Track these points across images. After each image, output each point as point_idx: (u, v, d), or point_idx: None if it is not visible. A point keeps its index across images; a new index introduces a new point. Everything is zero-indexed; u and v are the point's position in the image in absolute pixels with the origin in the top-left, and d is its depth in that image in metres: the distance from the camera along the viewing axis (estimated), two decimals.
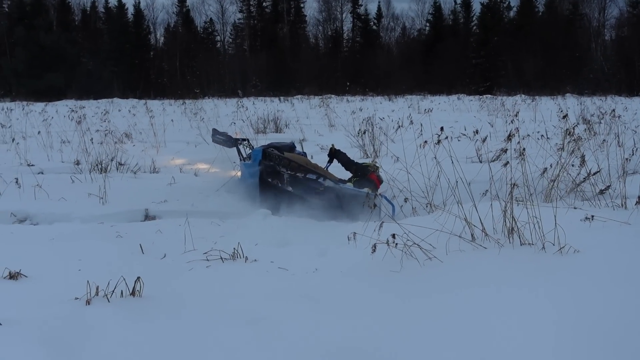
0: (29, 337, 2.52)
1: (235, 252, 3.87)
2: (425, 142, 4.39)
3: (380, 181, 5.90)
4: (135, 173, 7.71)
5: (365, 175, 5.88)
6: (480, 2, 53.95)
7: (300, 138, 11.27)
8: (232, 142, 6.68)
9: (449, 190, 4.29)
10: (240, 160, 6.65)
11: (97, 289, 3.04)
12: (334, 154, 6.29)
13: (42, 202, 5.78)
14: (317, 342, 2.58)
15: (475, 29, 55.72)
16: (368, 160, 7.23)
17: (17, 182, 5.71)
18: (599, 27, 50.72)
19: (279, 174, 5.73)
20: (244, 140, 6.80)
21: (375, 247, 3.40)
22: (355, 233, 3.63)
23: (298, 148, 6.78)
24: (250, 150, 6.44)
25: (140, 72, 47.88)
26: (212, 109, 18.67)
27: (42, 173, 7.65)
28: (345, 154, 6.34)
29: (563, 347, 2.37)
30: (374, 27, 59.27)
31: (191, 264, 3.79)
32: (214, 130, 6.87)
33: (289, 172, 5.67)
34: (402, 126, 7.23)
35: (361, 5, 58.86)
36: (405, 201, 4.60)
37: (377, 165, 6.14)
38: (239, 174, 6.64)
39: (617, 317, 2.56)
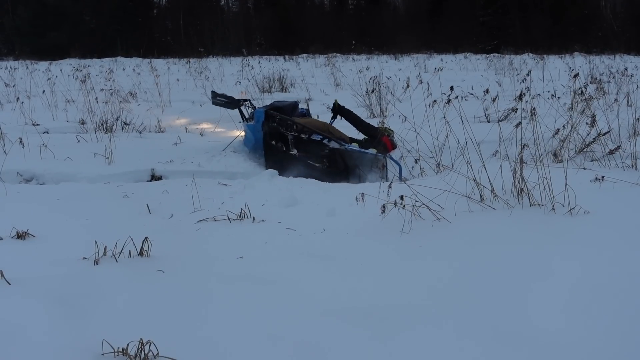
0: (38, 297, 2.52)
1: (243, 212, 3.85)
2: (435, 101, 4.34)
3: (394, 146, 5.78)
4: (140, 133, 7.68)
5: (375, 136, 5.80)
6: None
7: (306, 97, 11.18)
8: (234, 103, 6.59)
9: (457, 151, 4.25)
10: (243, 121, 6.59)
11: (105, 249, 3.04)
12: (338, 110, 6.20)
13: (48, 161, 5.77)
14: (323, 301, 2.58)
15: None
16: (375, 121, 7.17)
17: (20, 141, 5.68)
18: None
19: (283, 136, 5.68)
20: (245, 100, 6.71)
21: (384, 207, 3.38)
22: (363, 194, 3.61)
23: (304, 107, 6.70)
24: (252, 111, 6.37)
25: (144, 31, 47.22)
26: (216, 68, 18.55)
27: (48, 132, 7.63)
28: (351, 111, 6.26)
29: (573, 307, 2.37)
30: None
31: (199, 224, 3.79)
32: (213, 92, 6.77)
33: (293, 133, 5.62)
34: (409, 86, 7.13)
35: None
36: (416, 162, 4.57)
37: (391, 129, 6.02)
38: (243, 134, 6.60)
39: (627, 278, 2.55)
